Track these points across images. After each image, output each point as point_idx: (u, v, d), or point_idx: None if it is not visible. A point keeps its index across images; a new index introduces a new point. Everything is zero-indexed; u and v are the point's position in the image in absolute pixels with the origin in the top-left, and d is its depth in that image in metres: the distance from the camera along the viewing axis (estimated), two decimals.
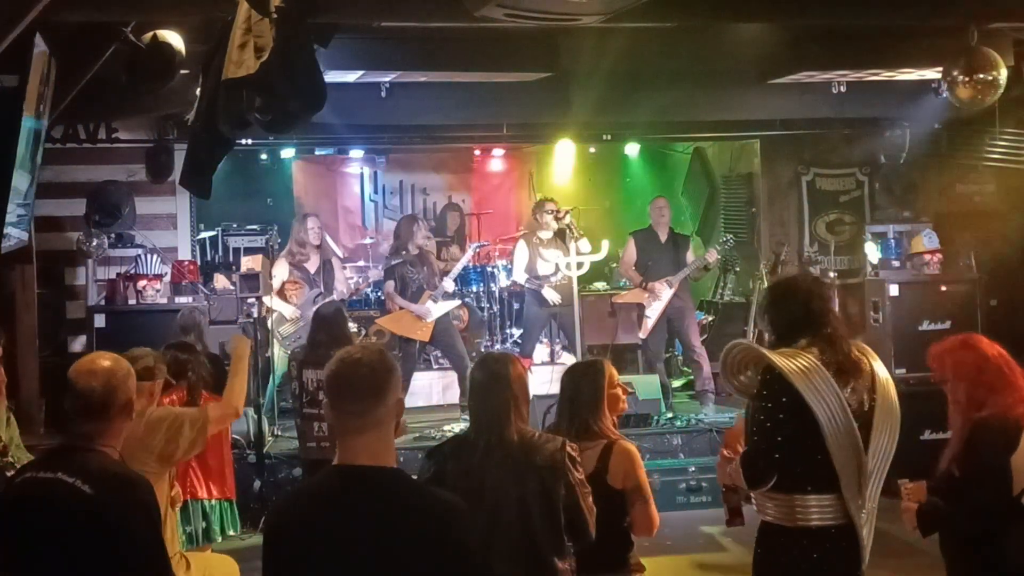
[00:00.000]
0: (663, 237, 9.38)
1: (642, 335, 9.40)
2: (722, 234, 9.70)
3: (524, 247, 9.35)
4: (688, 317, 9.28)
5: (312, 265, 8.97)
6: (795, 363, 3.56)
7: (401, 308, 8.89)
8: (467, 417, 8.47)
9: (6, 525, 3.14)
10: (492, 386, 3.72)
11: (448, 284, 9.04)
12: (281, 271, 8.87)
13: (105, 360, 3.25)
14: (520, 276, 9.39)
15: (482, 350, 10.50)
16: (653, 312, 9.20)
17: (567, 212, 8.99)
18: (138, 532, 3.04)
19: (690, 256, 9.28)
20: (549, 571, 3.59)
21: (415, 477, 3.15)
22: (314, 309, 8.10)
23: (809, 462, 3.58)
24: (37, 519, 3.07)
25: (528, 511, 3.57)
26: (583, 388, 4.23)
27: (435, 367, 10.14)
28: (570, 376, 4.36)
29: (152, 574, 3.10)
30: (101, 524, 3.01)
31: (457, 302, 9.69)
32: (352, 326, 8.89)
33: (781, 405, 3.59)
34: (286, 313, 8.76)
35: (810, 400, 3.52)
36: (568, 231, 8.83)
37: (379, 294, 10.06)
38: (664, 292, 9.14)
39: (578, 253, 8.72)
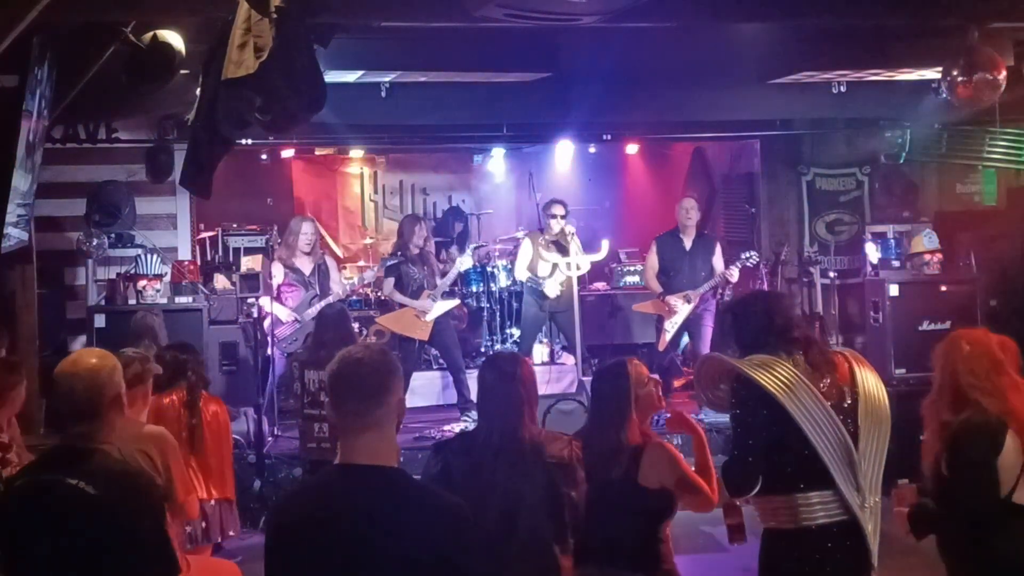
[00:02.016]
0: (688, 243, 9.08)
1: (660, 348, 9.20)
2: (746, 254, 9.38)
3: (528, 245, 9.33)
4: (704, 323, 9.02)
5: (306, 267, 8.93)
6: (774, 376, 3.59)
7: (401, 306, 8.89)
8: (466, 418, 8.56)
9: (9, 530, 3.10)
10: (502, 385, 3.74)
11: (445, 283, 9.04)
12: (276, 273, 8.84)
13: (90, 357, 3.22)
14: (522, 274, 9.36)
15: (482, 350, 10.51)
16: (671, 327, 9.00)
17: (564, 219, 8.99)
18: (145, 530, 3.03)
19: (716, 262, 9.03)
20: (555, 567, 3.62)
21: (416, 476, 3.16)
22: (316, 310, 8.12)
23: (797, 459, 3.60)
24: (42, 523, 3.03)
25: (537, 508, 3.60)
26: (606, 394, 4.16)
27: (435, 367, 10.15)
28: (596, 381, 4.32)
29: (161, 570, 3.09)
30: (107, 524, 2.99)
31: (456, 301, 9.70)
32: (354, 326, 8.90)
33: (752, 411, 3.64)
34: (282, 316, 8.74)
35: (796, 415, 3.54)
36: (563, 236, 8.84)
37: (379, 293, 10.05)
38: (682, 307, 8.95)
39: (576, 255, 8.75)
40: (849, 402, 3.68)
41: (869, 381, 3.75)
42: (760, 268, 9.69)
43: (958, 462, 3.86)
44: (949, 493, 3.89)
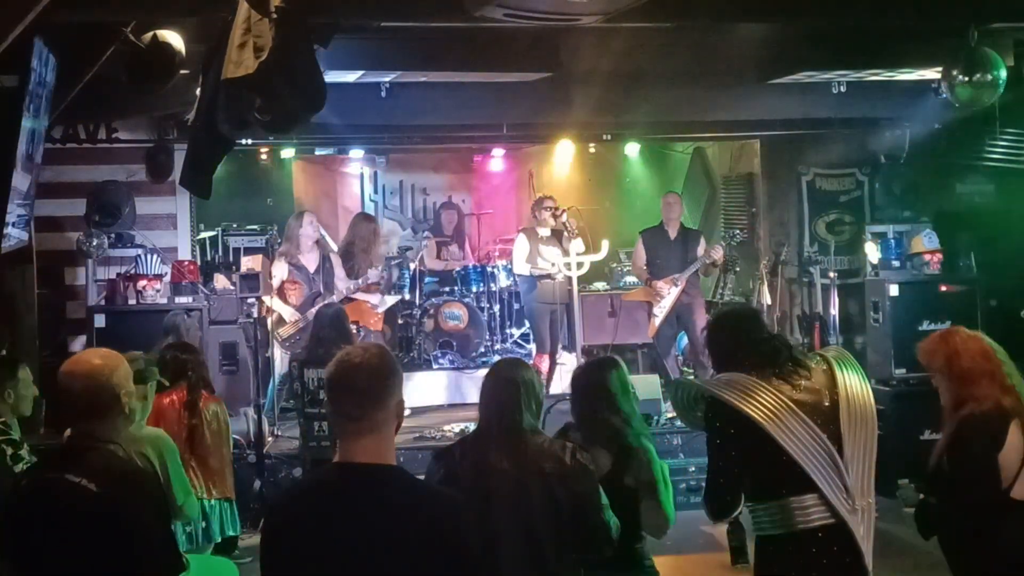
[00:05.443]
0: (672, 234, 9.44)
1: (650, 334, 9.43)
2: (722, 232, 9.68)
3: (524, 240, 9.40)
4: (696, 313, 9.27)
5: (311, 264, 8.96)
6: (760, 404, 3.50)
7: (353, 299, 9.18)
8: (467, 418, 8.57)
9: (15, 528, 3.12)
10: (501, 390, 3.71)
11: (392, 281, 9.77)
12: (280, 271, 8.85)
13: (94, 358, 3.23)
14: (523, 268, 9.39)
15: (482, 350, 10.52)
16: (660, 311, 9.26)
17: (564, 211, 9.03)
18: (148, 526, 3.04)
19: (700, 252, 9.31)
20: (560, 571, 3.59)
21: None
22: (315, 310, 8.13)
23: (776, 467, 3.51)
24: (46, 520, 3.05)
25: (533, 518, 3.56)
26: (595, 386, 4.17)
27: (435, 367, 10.16)
28: (582, 373, 4.34)
29: (164, 566, 3.10)
30: (110, 521, 3.00)
31: (399, 297, 10.21)
32: (352, 326, 8.92)
33: (721, 433, 3.59)
34: (285, 315, 8.75)
35: (784, 443, 3.46)
36: (564, 229, 8.86)
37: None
38: (669, 291, 9.19)
39: (576, 253, 8.77)
40: (828, 404, 3.58)
41: (852, 381, 3.65)
42: (760, 267, 9.71)
43: (959, 456, 3.86)
44: (949, 487, 3.89)
